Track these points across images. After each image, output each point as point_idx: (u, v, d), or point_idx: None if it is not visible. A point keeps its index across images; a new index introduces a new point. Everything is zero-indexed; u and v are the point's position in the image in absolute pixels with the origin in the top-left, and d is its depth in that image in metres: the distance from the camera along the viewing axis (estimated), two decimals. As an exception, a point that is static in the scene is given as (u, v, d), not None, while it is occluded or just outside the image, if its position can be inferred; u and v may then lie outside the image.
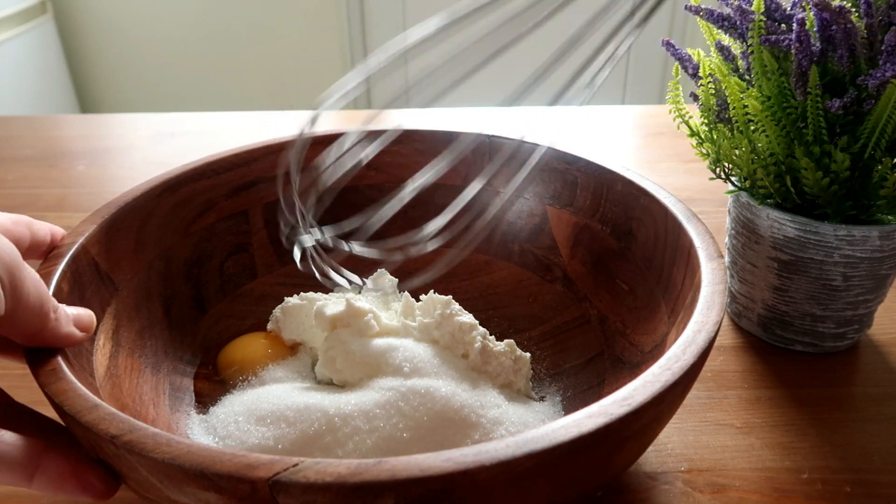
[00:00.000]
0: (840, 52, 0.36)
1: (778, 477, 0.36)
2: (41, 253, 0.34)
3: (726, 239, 0.47)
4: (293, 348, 0.42)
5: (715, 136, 0.43)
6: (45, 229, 0.34)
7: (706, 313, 0.30)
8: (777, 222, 0.41)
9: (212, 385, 0.40)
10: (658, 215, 0.38)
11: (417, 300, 0.41)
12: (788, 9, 0.39)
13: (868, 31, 0.36)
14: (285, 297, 0.42)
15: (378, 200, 0.50)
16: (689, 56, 0.43)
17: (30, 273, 0.27)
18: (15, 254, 0.26)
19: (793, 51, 0.37)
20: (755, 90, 0.39)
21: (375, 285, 0.43)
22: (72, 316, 0.30)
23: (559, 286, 0.45)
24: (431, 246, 0.37)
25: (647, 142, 0.80)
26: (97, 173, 0.73)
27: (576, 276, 0.44)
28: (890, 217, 0.40)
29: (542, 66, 0.29)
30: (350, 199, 0.49)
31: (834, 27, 0.36)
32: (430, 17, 0.26)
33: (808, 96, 0.37)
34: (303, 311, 0.42)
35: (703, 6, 0.41)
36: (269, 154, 0.46)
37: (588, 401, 0.37)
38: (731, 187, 0.44)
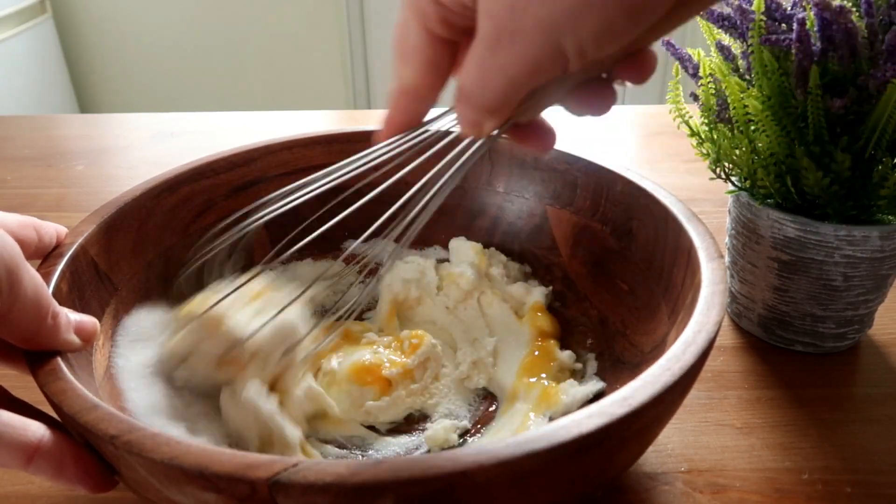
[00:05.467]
0: (840, 51, 0.36)
1: (778, 477, 0.36)
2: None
3: (726, 239, 0.47)
4: None
5: (715, 136, 0.43)
6: (52, 231, 0.34)
7: (706, 313, 0.29)
8: (777, 222, 0.41)
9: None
10: (658, 215, 0.38)
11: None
12: (789, 8, 0.39)
13: (868, 31, 0.36)
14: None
15: (377, 200, 0.49)
16: (690, 56, 0.43)
17: (30, 274, 0.27)
18: (16, 252, 0.26)
19: (793, 50, 0.37)
20: (755, 90, 0.39)
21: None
22: (74, 322, 0.29)
23: (559, 286, 0.45)
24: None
25: (647, 142, 0.80)
26: (96, 173, 0.73)
27: (576, 276, 0.44)
28: (890, 217, 0.40)
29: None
30: (350, 199, 0.49)
31: (834, 27, 0.36)
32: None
33: (808, 96, 0.37)
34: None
35: (703, 6, 0.41)
36: (269, 154, 0.46)
37: (588, 401, 0.37)
38: (731, 187, 0.44)
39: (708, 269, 0.32)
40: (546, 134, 0.28)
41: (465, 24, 0.24)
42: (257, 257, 0.47)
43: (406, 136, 0.30)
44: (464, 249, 0.46)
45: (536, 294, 0.44)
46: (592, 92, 0.25)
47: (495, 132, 0.27)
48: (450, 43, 0.26)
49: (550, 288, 0.45)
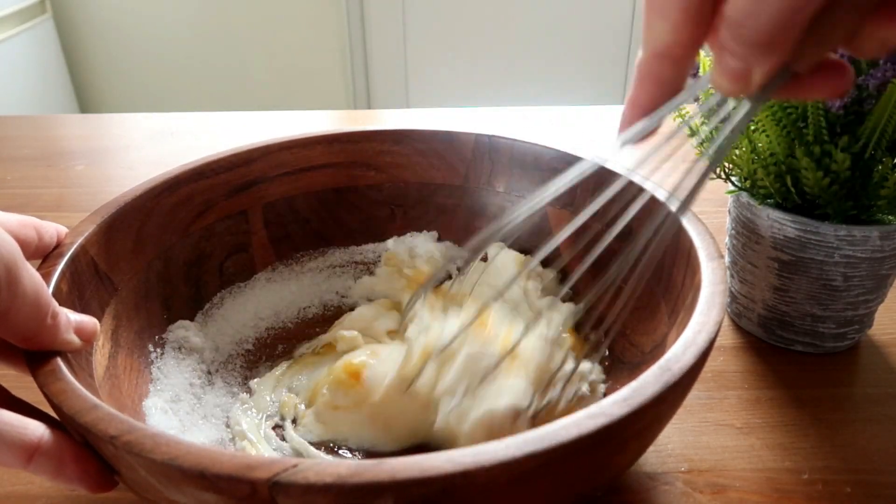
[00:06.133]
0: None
1: (778, 477, 0.36)
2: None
3: (726, 239, 0.47)
4: None
5: (715, 136, 0.43)
6: (52, 231, 0.34)
7: (706, 313, 0.29)
8: (777, 222, 0.41)
9: (211, 385, 0.40)
10: (658, 215, 0.38)
11: None
12: (789, 8, 0.39)
13: (868, 31, 0.36)
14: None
15: (377, 200, 0.50)
16: (690, 56, 0.43)
17: (30, 273, 0.27)
18: (15, 251, 0.26)
19: (793, 50, 0.37)
20: (755, 90, 0.39)
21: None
22: (74, 323, 0.29)
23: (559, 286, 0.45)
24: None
25: (646, 142, 0.80)
26: (96, 173, 0.73)
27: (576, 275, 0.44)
28: (890, 217, 0.40)
29: None
30: (350, 199, 0.49)
31: (834, 27, 0.36)
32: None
33: (808, 96, 0.37)
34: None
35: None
36: (269, 154, 0.46)
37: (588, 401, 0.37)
38: (731, 187, 0.44)
39: (708, 269, 0.32)
40: (839, 70, 0.23)
41: None
42: (257, 258, 0.47)
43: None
44: (507, 261, 0.45)
45: (564, 311, 0.42)
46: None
47: (767, 85, 0.22)
48: None
49: (581, 306, 0.44)
